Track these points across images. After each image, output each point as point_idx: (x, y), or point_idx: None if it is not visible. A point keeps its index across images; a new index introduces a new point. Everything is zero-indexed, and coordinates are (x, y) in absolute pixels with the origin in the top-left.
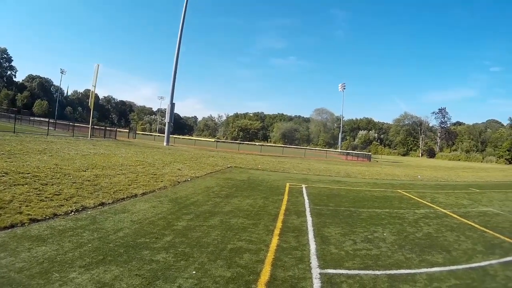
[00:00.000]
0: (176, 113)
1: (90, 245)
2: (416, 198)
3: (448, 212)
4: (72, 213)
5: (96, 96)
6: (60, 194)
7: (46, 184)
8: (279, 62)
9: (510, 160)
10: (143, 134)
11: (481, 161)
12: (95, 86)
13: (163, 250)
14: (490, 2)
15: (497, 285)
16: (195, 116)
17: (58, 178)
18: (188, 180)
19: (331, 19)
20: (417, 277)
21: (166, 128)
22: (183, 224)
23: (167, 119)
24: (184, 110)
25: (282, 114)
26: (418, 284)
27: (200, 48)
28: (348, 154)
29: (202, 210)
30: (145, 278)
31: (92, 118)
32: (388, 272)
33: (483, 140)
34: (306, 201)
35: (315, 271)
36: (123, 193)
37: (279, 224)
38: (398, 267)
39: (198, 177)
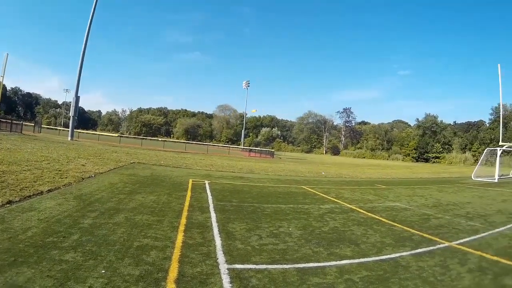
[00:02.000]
0: (80, 107)
1: (1, 246)
2: (321, 194)
3: (354, 207)
4: None
5: (4, 87)
6: None
7: None
8: (184, 57)
9: (416, 158)
10: (48, 128)
11: (387, 159)
12: (3, 77)
13: (72, 249)
14: (399, 7)
15: (411, 275)
16: (100, 110)
17: None
18: (92, 176)
19: (238, 16)
20: (326, 269)
21: (70, 122)
22: (89, 222)
23: (71, 113)
24: (88, 103)
25: (186, 110)
26: (328, 277)
27: (106, 40)
28: (251, 150)
29: (107, 207)
30: (57, 279)
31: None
32: (296, 265)
33: (389, 139)
34: (210, 197)
35: (223, 267)
36: (29, 190)
37: (183, 221)
38: (306, 260)
39: (102, 173)
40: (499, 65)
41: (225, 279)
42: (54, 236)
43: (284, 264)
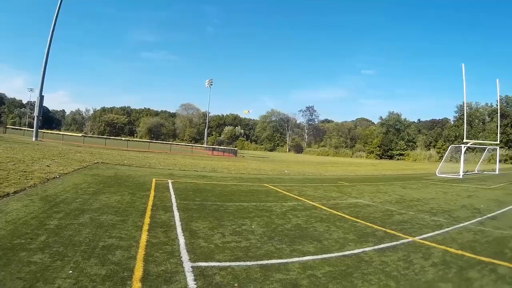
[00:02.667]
0: (45, 107)
1: None
2: (284, 192)
3: (317, 204)
4: None
5: None
6: None
7: None
8: (149, 55)
9: (380, 155)
10: (13, 128)
11: (351, 156)
12: None
13: (39, 251)
14: (362, 7)
15: (374, 270)
16: (63, 110)
17: None
18: (57, 177)
19: (202, 15)
20: (289, 266)
21: (35, 122)
22: (55, 223)
23: (36, 113)
24: (52, 103)
25: (149, 109)
26: (291, 273)
27: (71, 38)
28: (214, 149)
29: (72, 207)
30: (26, 281)
31: None
32: (259, 262)
33: (353, 137)
34: (173, 196)
35: (187, 265)
36: None
37: (147, 220)
38: (269, 257)
39: (66, 173)
40: (463, 64)
41: (190, 277)
42: (22, 238)
43: (247, 261)
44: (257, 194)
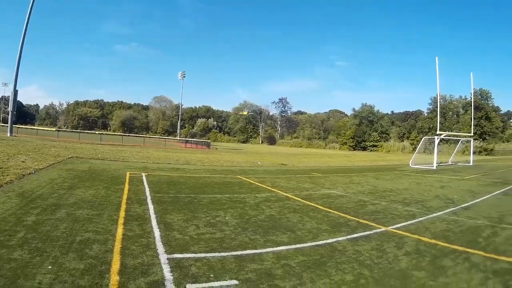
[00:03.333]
0: (18, 101)
1: None
2: (257, 183)
3: (290, 195)
4: None
5: None
6: None
7: None
8: (122, 48)
9: (354, 146)
10: None
11: (324, 148)
12: None
13: (18, 247)
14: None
15: (348, 259)
16: (37, 104)
17: None
18: (32, 172)
19: (176, 7)
20: (264, 256)
21: (9, 117)
22: (33, 219)
23: (10, 108)
24: (26, 97)
25: (122, 102)
26: (266, 263)
27: (43, 31)
28: (187, 141)
29: (48, 203)
30: (8, 278)
31: None
32: (234, 253)
33: (326, 129)
34: (147, 189)
35: (163, 257)
36: None
37: (122, 213)
38: (243, 248)
39: (41, 169)
40: (436, 58)
41: (166, 269)
42: (1, 235)
43: (222, 252)
44: (230, 186)
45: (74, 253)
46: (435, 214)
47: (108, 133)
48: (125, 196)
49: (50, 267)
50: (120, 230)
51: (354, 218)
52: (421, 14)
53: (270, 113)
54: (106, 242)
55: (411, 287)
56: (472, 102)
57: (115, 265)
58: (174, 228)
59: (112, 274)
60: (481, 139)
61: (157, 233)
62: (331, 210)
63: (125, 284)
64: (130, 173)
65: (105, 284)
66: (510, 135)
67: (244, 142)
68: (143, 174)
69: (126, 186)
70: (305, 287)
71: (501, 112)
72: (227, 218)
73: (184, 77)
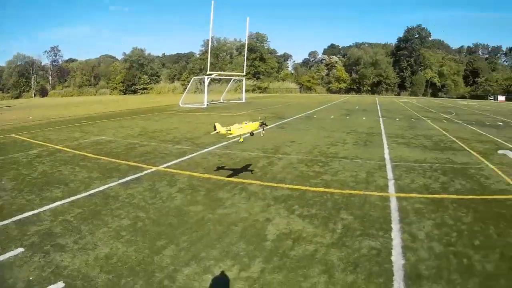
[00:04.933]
0: None
1: None
2: (29, 140)
3: (61, 147)
4: None
5: None
6: None
7: None
8: None
9: (124, 91)
10: None
11: (95, 95)
12: None
13: None
14: None
15: (122, 204)
16: None
17: None
18: None
19: None
20: (41, 215)
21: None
22: None
23: None
24: None
25: None
26: (45, 222)
27: None
28: None
29: None
30: None
31: None
32: (15, 219)
33: (96, 75)
34: None
35: None
36: None
37: None
38: (22, 211)
39: None
40: (213, 1)
41: None
42: None
43: (3, 220)
44: (3, 147)
45: None
46: (206, 150)
47: None
48: None
49: None
50: None
51: (125, 162)
52: None
53: (42, 64)
54: None
55: (190, 222)
56: (246, 44)
57: None
58: None
59: None
60: (255, 78)
61: None
62: (101, 157)
63: None
64: None
65: None
66: (286, 74)
67: (17, 97)
68: None
69: None
70: (86, 240)
71: (278, 54)
72: (3, 182)
73: None
